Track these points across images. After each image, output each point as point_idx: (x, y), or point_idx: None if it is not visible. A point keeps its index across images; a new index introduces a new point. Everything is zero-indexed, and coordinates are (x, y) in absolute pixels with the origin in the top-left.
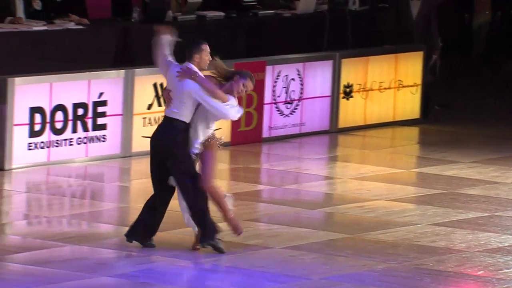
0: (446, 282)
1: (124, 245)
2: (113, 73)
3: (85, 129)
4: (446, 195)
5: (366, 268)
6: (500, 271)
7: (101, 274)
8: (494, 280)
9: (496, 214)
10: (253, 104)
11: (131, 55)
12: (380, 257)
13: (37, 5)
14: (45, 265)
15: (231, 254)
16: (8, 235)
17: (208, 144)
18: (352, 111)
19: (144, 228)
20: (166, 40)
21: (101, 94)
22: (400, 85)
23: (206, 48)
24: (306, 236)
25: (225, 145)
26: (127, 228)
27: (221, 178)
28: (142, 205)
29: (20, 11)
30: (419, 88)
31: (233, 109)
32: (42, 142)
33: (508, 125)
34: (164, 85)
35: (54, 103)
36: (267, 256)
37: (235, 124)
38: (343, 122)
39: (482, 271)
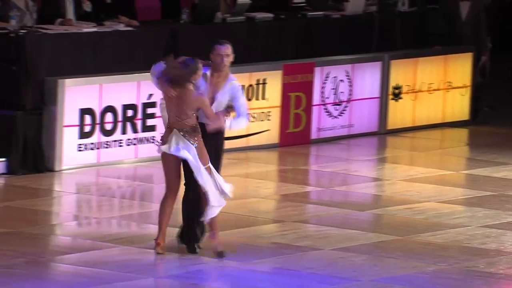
0: (497, 284)
1: (174, 247)
2: None
3: (135, 130)
4: (496, 197)
5: (416, 270)
6: None
7: (151, 275)
8: None
9: None
10: (302, 105)
11: (180, 56)
12: (430, 259)
13: (87, 6)
14: (95, 266)
15: (280, 255)
16: (58, 236)
17: None
18: (401, 113)
19: None
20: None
21: (150, 95)
22: (450, 87)
23: (219, 49)
24: (356, 237)
25: (273, 146)
26: (177, 230)
27: (269, 180)
28: None
29: (70, 13)
30: (469, 90)
31: None
32: (92, 143)
33: None
34: None
35: (104, 105)
36: (317, 257)
37: (283, 125)
38: (392, 124)
39: None
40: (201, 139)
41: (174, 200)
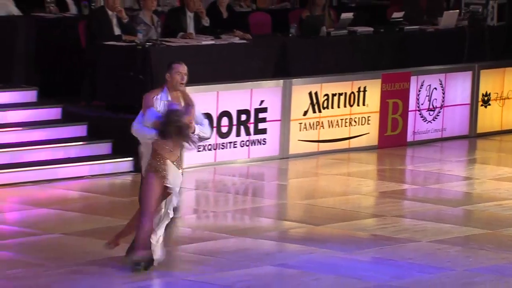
0: None
1: (284, 238)
2: (272, 82)
3: (247, 133)
4: None
5: (506, 261)
6: None
7: (264, 264)
8: None
9: None
10: (399, 111)
11: (288, 66)
12: None
13: (206, 21)
14: (213, 254)
15: (381, 246)
16: (179, 227)
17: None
18: (489, 118)
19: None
20: None
21: (262, 101)
22: None
23: (177, 67)
24: (449, 231)
25: (372, 148)
26: (286, 223)
27: (369, 178)
28: (299, 202)
29: (190, 27)
30: None
31: None
32: (210, 144)
33: None
34: (319, 93)
35: (220, 110)
36: (415, 248)
37: (382, 129)
38: (481, 128)
39: None
40: None
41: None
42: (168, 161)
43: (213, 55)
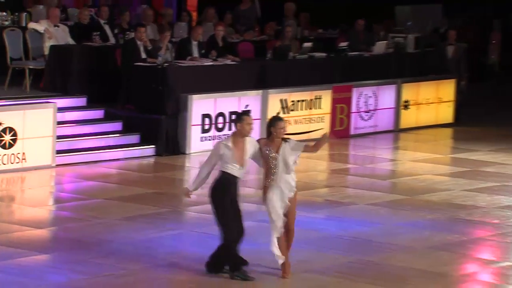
0: (473, 227)
1: (262, 202)
2: (254, 92)
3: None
4: (471, 171)
5: (420, 218)
6: (509, 220)
7: (248, 220)
8: (504, 225)
9: (505, 184)
10: (344, 112)
11: (266, 80)
12: (429, 211)
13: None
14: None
15: (331, 208)
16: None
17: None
18: (408, 117)
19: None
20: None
21: (247, 105)
22: (440, 101)
23: (247, 118)
24: (380, 197)
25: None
26: None
27: (323, 160)
28: None
29: (195, 53)
30: (452, 103)
31: None
32: (209, 136)
33: None
34: (288, 100)
35: (217, 111)
36: (355, 209)
37: (332, 125)
38: (403, 124)
39: (497, 220)
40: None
41: None
42: (272, 178)
43: (212, 72)
